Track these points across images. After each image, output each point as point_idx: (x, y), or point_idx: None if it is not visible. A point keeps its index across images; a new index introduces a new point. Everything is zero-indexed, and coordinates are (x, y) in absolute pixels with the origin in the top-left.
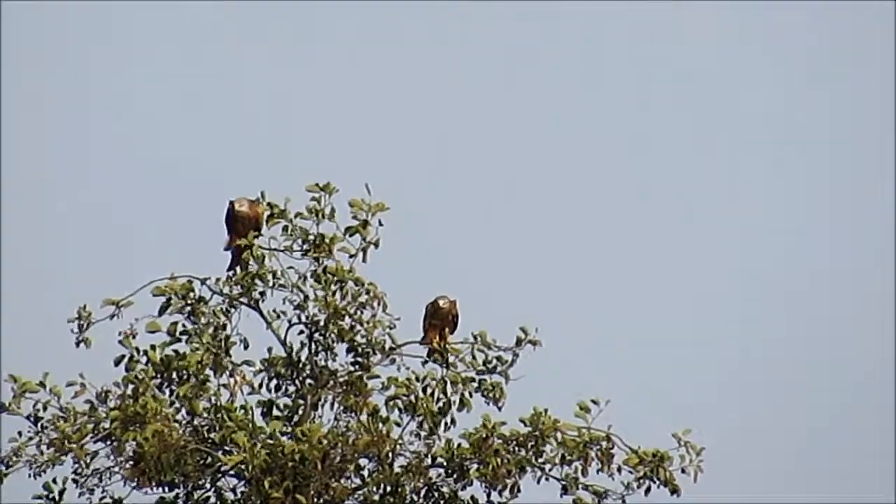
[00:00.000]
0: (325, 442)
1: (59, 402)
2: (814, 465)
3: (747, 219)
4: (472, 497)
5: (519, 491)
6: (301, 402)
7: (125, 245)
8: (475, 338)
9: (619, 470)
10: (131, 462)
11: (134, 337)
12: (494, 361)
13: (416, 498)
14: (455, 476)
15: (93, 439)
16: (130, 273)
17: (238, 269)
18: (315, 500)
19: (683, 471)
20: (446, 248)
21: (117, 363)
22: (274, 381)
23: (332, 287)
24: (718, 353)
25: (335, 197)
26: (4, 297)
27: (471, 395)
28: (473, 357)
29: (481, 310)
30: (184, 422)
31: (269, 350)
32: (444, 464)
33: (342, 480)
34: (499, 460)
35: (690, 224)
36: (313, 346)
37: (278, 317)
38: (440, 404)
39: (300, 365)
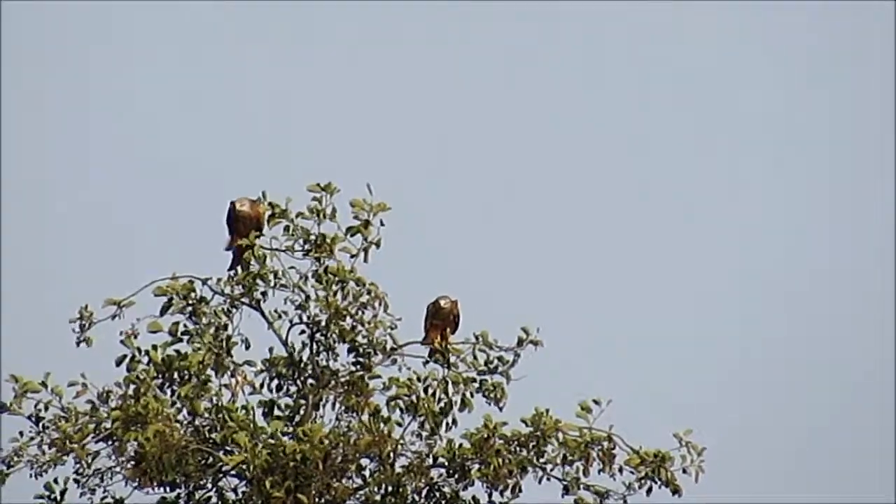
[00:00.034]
0: (326, 442)
1: (61, 402)
2: (814, 465)
3: (747, 219)
4: (474, 497)
5: (520, 491)
6: (302, 402)
7: (125, 245)
8: (476, 338)
9: (620, 470)
10: (133, 462)
11: (135, 337)
12: (496, 362)
13: (417, 498)
14: (456, 476)
15: (94, 439)
16: (130, 273)
17: (239, 269)
18: (316, 500)
19: (685, 471)
20: (447, 248)
21: (119, 363)
22: (275, 382)
23: (334, 287)
24: (718, 353)
25: (336, 197)
26: (4, 297)
27: (472, 396)
28: (475, 357)
29: (482, 310)
30: (185, 422)
31: (271, 350)
32: (446, 464)
33: (344, 480)
34: (500, 460)
35: (690, 224)
36: (315, 347)
37: (280, 317)
38: (441, 404)
39: (301, 365)
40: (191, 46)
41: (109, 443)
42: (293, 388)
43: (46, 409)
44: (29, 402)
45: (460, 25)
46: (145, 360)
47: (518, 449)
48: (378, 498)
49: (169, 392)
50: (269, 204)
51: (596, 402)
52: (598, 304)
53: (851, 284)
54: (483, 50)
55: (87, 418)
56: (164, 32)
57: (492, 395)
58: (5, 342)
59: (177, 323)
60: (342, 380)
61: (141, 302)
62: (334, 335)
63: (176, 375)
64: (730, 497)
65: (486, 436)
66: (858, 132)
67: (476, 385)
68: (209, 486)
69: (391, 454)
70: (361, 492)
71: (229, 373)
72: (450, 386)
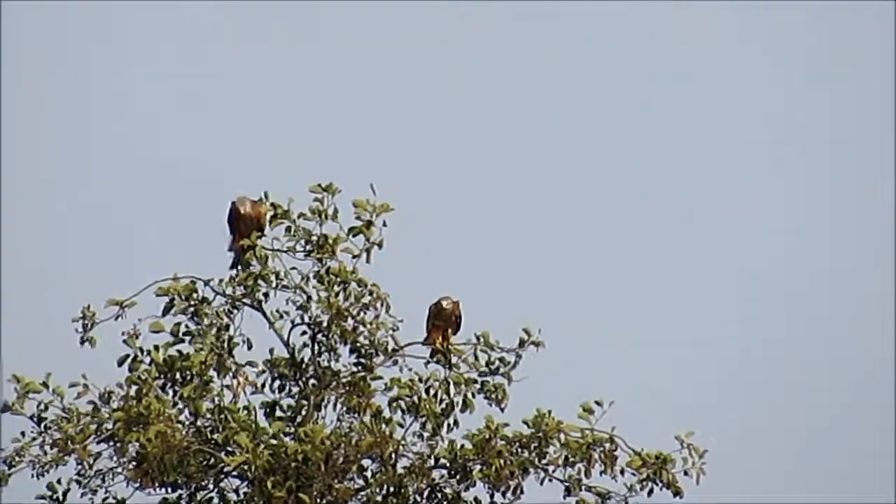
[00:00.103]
0: (328, 443)
1: (63, 402)
2: (814, 465)
3: (747, 219)
4: (476, 498)
5: (522, 492)
6: (304, 402)
7: (125, 245)
8: (478, 339)
9: (622, 472)
10: (134, 463)
11: (137, 337)
12: (497, 363)
13: (419, 499)
14: (458, 477)
15: (96, 440)
16: (131, 273)
17: (241, 269)
18: (318, 500)
19: (686, 473)
20: (447, 249)
21: (120, 364)
22: (277, 382)
23: (335, 288)
24: (718, 353)
25: (337, 197)
26: (4, 297)
27: (474, 396)
28: (476, 358)
29: (484, 310)
30: (187, 422)
31: (272, 351)
32: (447, 465)
33: (345, 481)
34: (502, 461)
35: (690, 224)
36: (316, 347)
37: (281, 317)
38: (443, 405)
39: (303, 366)
40: (191, 46)
41: (111, 443)
42: (295, 389)
43: (48, 409)
44: (31, 402)
45: (460, 25)
46: (147, 360)
47: (520, 450)
48: (379, 499)
49: (171, 393)
50: (272, 205)
51: (598, 403)
52: (598, 305)
53: (851, 284)
54: (483, 50)
55: (89, 419)
56: (164, 32)
57: (493, 396)
58: (6, 342)
59: (179, 323)
60: (344, 381)
61: (143, 302)
62: (336, 336)
63: (178, 376)
64: (730, 497)
65: (487, 437)
66: (858, 132)
67: (478, 386)
68: (211, 486)
69: (393, 455)
70: (363, 493)
71: (231, 373)
72: (451, 387)
